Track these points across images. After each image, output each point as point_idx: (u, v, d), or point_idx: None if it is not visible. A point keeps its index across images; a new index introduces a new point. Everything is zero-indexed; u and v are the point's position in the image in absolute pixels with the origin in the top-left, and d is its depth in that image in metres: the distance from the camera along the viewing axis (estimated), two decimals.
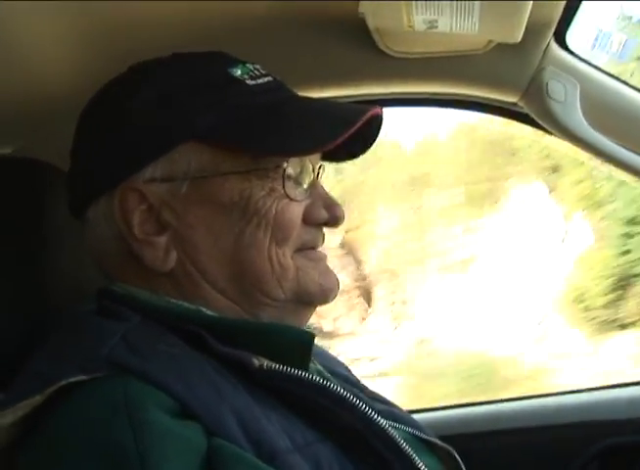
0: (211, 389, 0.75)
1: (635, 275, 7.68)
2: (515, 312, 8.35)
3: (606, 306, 7.75)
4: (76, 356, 0.77)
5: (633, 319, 7.46)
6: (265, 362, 0.81)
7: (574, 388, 1.74)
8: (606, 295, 7.78)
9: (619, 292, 7.72)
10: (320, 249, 0.97)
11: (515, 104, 1.37)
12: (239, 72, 0.92)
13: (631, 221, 7.95)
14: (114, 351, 0.76)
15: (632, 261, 7.76)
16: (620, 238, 7.99)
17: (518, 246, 8.76)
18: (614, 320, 7.62)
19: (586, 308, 7.95)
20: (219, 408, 0.73)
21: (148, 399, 0.71)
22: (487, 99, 1.38)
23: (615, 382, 1.71)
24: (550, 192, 9.02)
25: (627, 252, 7.85)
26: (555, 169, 8.95)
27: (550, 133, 1.36)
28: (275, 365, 0.81)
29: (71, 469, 0.68)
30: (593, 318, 7.82)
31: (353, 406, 0.83)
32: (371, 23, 1.19)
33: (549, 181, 9.02)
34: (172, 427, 0.69)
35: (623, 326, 7.52)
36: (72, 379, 0.72)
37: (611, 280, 7.80)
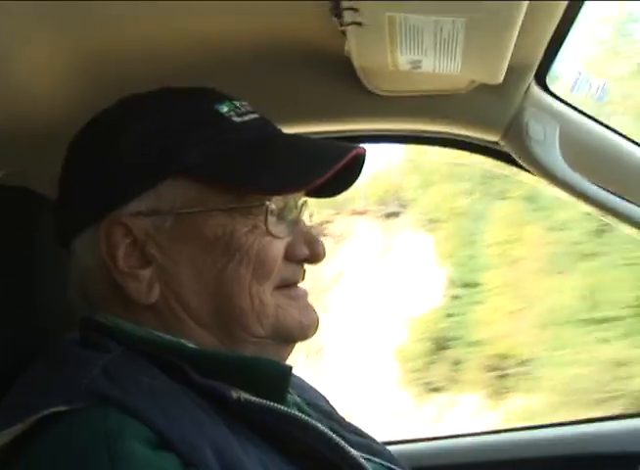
0: (190, 421, 0.76)
1: (449, 339, 7.67)
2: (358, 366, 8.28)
3: (425, 368, 7.72)
4: (58, 387, 0.78)
5: (442, 384, 7.43)
6: (242, 394, 0.82)
7: None
8: (424, 356, 7.76)
9: (434, 356, 7.70)
10: (300, 285, 0.98)
11: (496, 143, 1.40)
12: (225, 109, 0.94)
13: (456, 283, 7.97)
14: (95, 381, 0.77)
15: (452, 325, 7.75)
16: (450, 300, 8.00)
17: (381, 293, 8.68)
18: (428, 383, 7.59)
19: (411, 369, 7.92)
20: (197, 441, 0.74)
21: (127, 430, 0.72)
22: (469, 137, 1.41)
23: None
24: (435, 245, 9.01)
25: (451, 315, 7.84)
26: (436, 223, 8.94)
27: (530, 172, 1.39)
28: (253, 398, 0.83)
29: None
30: (416, 379, 7.80)
31: (329, 440, 0.84)
32: (356, 62, 1.22)
33: (433, 234, 9.00)
34: (150, 458, 0.70)
35: (435, 389, 7.49)
36: (54, 409, 0.73)
37: (430, 342, 7.79)
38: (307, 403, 1.03)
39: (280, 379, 0.88)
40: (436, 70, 1.19)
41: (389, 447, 1.09)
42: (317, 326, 0.96)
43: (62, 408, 0.74)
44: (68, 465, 0.70)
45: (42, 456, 0.73)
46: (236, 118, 0.94)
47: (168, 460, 0.71)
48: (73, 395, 0.75)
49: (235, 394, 0.82)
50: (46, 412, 0.73)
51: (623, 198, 1.38)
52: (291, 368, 0.89)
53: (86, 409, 0.74)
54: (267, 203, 0.90)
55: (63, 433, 0.73)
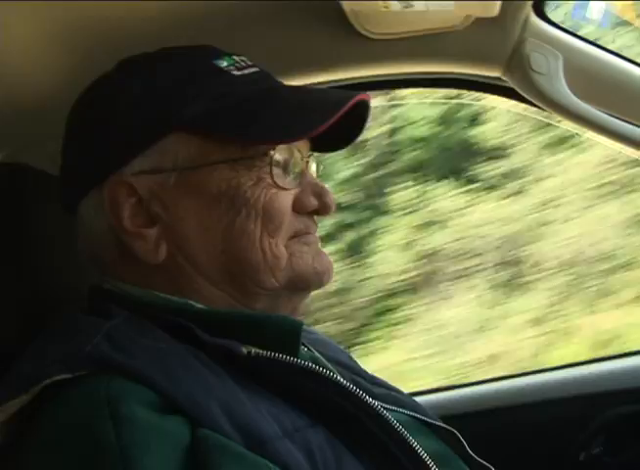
0: (197, 381, 0.75)
1: None
2: None
3: None
4: (61, 355, 0.77)
5: None
6: (253, 350, 0.81)
7: None
8: None
9: None
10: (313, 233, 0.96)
11: (499, 78, 1.36)
12: (224, 64, 0.93)
13: None
14: (98, 348, 0.76)
15: None
16: None
17: None
18: None
19: None
20: (205, 400, 0.73)
21: (130, 394, 0.71)
22: (471, 75, 1.37)
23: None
24: None
25: None
26: None
27: (536, 106, 1.35)
28: (264, 352, 0.82)
29: (55, 466, 0.69)
30: None
31: (344, 390, 0.84)
32: (347, 7, 1.19)
33: None
34: (154, 421, 0.69)
35: None
36: (57, 377, 0.73)
37: None
38: (328, 359, 1.02)
39: (291, 333, 0.86)
40: (430, 8, 1.16)
41: (416, 398, 1.08)
42: (331, 273, 0.95)
43: (65, 376, 0.73)
44: (74, 434, 0.70)
45: (47, 427, 0.72)
46: (236, 72, 0.93)
47: (175, 422, 0.71)
48: (76, 362, 0.74)
49: (245, 349, 0.81)
50: (48, 381, 0.72)
51: (636, 124, 1.34)
52: (301, 323, 0.89)
53: (89, 376, 0.73)
54: (271, 153, 0.89)
55: (66, 402, 0.73)
